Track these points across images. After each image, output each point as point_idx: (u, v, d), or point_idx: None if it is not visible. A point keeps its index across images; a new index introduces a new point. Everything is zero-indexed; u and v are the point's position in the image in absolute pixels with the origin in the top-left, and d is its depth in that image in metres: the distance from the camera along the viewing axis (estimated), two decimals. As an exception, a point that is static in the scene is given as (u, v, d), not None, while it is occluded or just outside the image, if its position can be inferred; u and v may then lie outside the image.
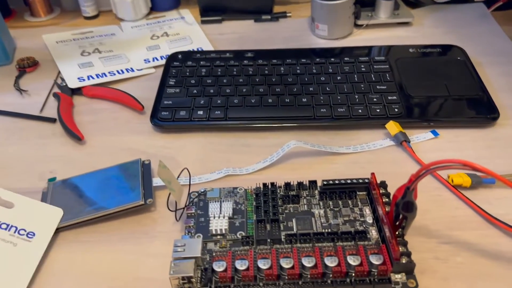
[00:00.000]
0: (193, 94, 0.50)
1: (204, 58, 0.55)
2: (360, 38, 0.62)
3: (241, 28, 0.65)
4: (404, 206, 0.33)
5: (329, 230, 0.37)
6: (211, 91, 0.50)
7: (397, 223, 0.34)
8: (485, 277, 0.34)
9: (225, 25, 0.66)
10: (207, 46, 0.60)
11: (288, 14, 0.66)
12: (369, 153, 0.45)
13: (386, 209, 0.36)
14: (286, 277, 0.33)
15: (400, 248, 0.34)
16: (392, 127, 0.45)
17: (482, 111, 0.47)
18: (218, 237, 0.36)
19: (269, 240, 0.36)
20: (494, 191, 0.40)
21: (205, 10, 0.67)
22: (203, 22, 0.66)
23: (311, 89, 0.50)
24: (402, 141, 0.44)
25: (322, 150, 0.44)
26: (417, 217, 0.38)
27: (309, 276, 0.33)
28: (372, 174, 0.38)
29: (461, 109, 0.47)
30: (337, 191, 0.39)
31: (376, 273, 0.33)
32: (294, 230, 0.37)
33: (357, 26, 0.63)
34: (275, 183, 0.40)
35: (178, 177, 0.38)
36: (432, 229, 0.37)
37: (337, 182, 0.39)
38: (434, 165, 0.30)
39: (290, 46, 0.59)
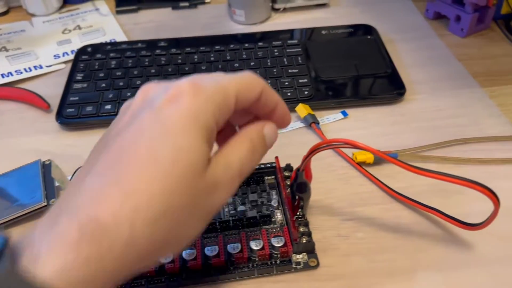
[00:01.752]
0: (101, 88, 0.48)
1: (115, 50, 0.53)
2: (278, 22, 0.62)
3: (158, 17, 0.63)
4: (297, 188, 0.33)
5: (236, 217, 0.37)
6: (121, 83, 0.48)
7: (295, 204, 0.34)
8: (385, 250, 0.35)
9: (142, 14, 0.64)
10: (121, 37, 0.59)
11: (206, 1, 0.65)
12: (280, 137, 0.45)
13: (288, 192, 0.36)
14: (189, 269, 0.33)
15: (301, 229, 0.34)
16: (301, 109, 0.45)
17: (389, 88, 0.48)
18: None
19: (174, 232, 0.35)
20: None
21: (120, 0, 0.65)
22: (118, 12, 0.64)
23: (224, 76, 0.49)
24: (311, 123, 0.45)
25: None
26: (322, 196, 0.39)
27: (212, 265, 0.33)
28: (276, 158, 0.38)
29: (369, 87, 0.48)
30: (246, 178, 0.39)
31: (278, 255, 0.34)
32: (201, 220, 0.37)
33: (275, 10, 0.63)
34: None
35: (72, 176, 0.37)
36: (336, 207, 0.38)
37: (244, 168, 0.39)
38: (318, 146, 0.30)
39: (208, 33, 0.59)
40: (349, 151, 0.42)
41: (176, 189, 0.22)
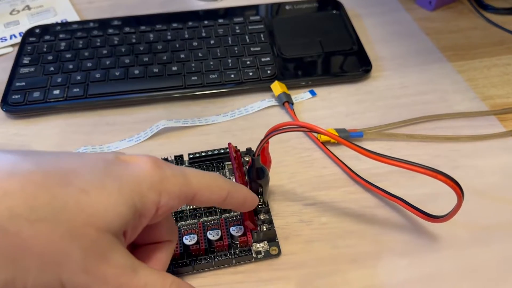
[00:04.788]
0: (49, 72, 0.45)
1: (65, 31, 0.49)
2: (242, -2, 0.59)
3: (114, -6, 0.59)
4: (255, 174, 0.31)
5: (194, 207, 0.35)
6: (70, 66, 0.45)
7: (254, 191, 0.33)
8: (348, 234, 0.33)
9: (96, -8, 0.60)
10: (73, 17, 0.55)
11: (165, -24, 0.62)
12: (251, 117, 0.43)
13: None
14: (142, 263, 0.31)
15: (262, 216, 0.33)
16: (277, 87, 0.43)
17: (355, 65, 0.46)
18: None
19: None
20: (362, 144, 0.39)
21: (73, -23, 0.60)
22: (70, -10, 0.60)
23: (182, 56, 0.46)
24: (284, 102, 0.43)
25: (197, 124, 0.42)
26: (285, 180, 0.37)
27: (167, 258, 0.31)
28: (229, 144, 0.36)
29: (335, 65, 0.46)
30: (204, 164, 0.37)
31: (238, 245, 0.32)
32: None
33: (237, -16, 0.60)
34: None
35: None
36: (299, 191, 0.36)
37: (203, 154, 0.37)
38: (273, 130, 0.28)
39: (167, 10, 0.55)
40: (312, 132, 0.40)
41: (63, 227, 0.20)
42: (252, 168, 0.31)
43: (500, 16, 0.55)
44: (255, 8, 0.53)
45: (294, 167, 0.38)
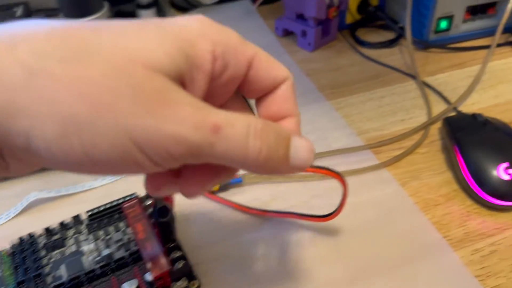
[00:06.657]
0: None
1: None
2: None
3: None
4: (159, 213, 0.31)
5: (103, 263, 0.32)
6: None
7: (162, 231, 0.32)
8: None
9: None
10: None
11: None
12: (125, 181, 0.41)
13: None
14: None
15: (176, 254, 0.32)
16: None
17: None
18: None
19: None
20: (243, 189, 0.40)
21: None
22: None
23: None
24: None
25: (71, 193, 0.40)
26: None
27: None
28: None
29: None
30: (106, 218, 0.36)
31: (158, 289, 0.31)
32: (64, 278, 0.31)
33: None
34: (33, 233, 0.35)
35: None
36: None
37: (102, 208, 0.36)
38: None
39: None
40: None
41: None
42: (156, 208, 0.31)
43: (375, 51, 0.59)
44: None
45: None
